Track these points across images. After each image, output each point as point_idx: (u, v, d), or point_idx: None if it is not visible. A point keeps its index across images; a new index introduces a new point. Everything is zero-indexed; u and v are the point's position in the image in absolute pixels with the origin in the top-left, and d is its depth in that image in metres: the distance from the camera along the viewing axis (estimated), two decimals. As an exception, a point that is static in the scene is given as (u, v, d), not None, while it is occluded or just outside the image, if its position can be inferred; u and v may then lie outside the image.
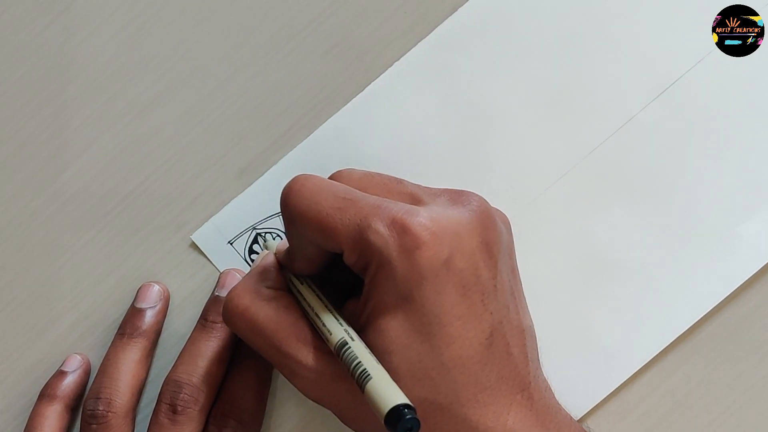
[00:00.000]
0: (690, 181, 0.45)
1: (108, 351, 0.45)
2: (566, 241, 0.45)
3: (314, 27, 0.47)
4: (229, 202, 0.46)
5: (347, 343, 0.37)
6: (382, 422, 0.34)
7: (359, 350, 0.37)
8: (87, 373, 0.46)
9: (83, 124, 0.47)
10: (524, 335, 0.40)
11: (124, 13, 0.47)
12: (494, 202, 0.42)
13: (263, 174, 0.46)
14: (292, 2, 0.47)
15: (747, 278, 0.45)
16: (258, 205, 0.46)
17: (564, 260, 0.45)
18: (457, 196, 0.40)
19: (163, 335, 0.46)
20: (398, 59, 0.46)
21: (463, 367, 0.38)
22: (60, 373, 0.45)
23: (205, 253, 0.46)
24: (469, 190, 0.41)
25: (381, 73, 0.46)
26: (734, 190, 0.45)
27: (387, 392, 0.35)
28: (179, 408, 0.42)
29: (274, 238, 0.46)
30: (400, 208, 0.38)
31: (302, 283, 0.41)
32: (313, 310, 0.40)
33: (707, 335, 0.45)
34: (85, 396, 0.45)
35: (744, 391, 0.45)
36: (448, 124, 0.46)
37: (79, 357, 0.46)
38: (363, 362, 0.36)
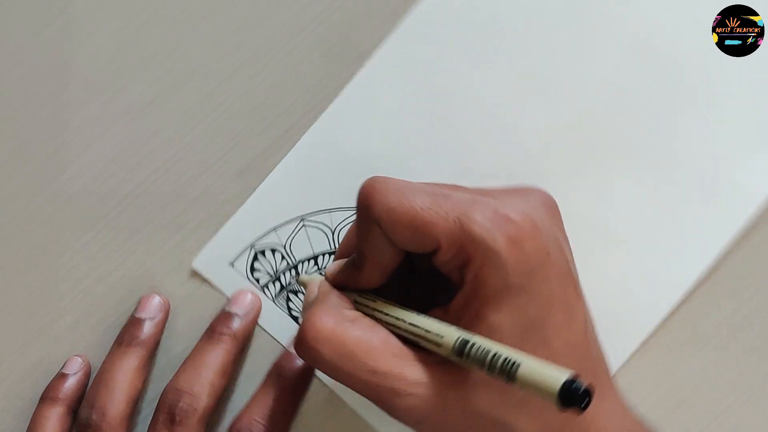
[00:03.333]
0: (675, 135, 0.45)
1: (105, 359, 0.44)
2: (562, 213, 0.45)
3: (314, 27, 0.47)
4: (223, 225, 0.46)
5: (469, 340, 0.35)
6: (556, 402, 0.32)
7: (487, 342, 0.35)
8: (88, 375, 0.46)
9: (83, 124, 0.47)
10: (591, 319, 0.40)
11: (123, 13, 0.47)
12: (485, 182, 0.42)
13: (252, 193, 0.46)
14: (292, 2, 0.47)
15: (746, 221, 0.45)
16: (253, 222, 0.46)
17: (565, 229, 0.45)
18: (525, 191, 0.40)
19: (163, 344, 0.46)
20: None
21: (572, 353, 0.37)
22: (61, 376, 0.45)
23: (208, 278, 0.46)
24: (530, 185, 0.41)
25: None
26: (720, 137, 0.45)
27: (548, 370, 0.33)
28: (177, 418, 0.42)
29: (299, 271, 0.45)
30: (498, 202, 0.37)
31: (375, 300, 0.39)
32: (406, 320, 0.37)
33: (707, 335, 0.45)
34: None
35: (744, 390, 0.45)
36: (428, 114, 0.46)
37: (79, 359, 0.46)
38: (501, 351, 0.34)
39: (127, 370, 0.43)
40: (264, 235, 0.46)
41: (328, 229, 0.46)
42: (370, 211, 0.37)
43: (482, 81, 0.46)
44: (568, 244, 0.40)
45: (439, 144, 0.46)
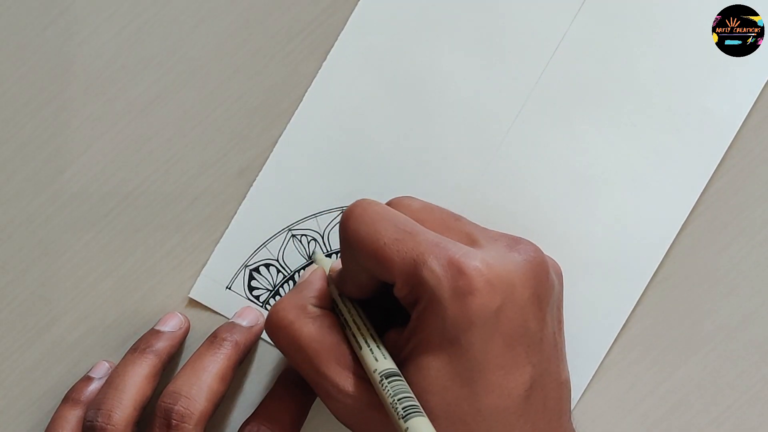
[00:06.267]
0: (639, 74, 0.46)
1: (117, 364, 0.44)
2: (544, 173, 0.46)
3: (314, 27, 0.47)
4: (213, 250, 0.46)
5: (398, 374, 0.37)
6: None
7: (401, 386, 0.37)
8: None
9: (83, 124, 0.47)
10: (562, 389, 0.40)
11: (124, 13, 0.47)
12: (463, 157, 0.43)
13: (236, 213, 0.46)
14: (292, 2, 0.47)
15: (727, 148, 0.45)
16: (241, 243, 0.46)
17: (549, 190, 0.46)
18: (514, 243, 0.40)
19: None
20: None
21: (499, 417, 0.38)
22: (86, 378, 0.45)
23: (207, 305, 0.46)
24: (524, 238, 0.41)
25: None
26: (685, 67, 0.46)
27: None
28: (173, 422, 0.41)
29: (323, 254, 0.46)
30: (458, 250, 0.38)
31: (348, 308, 0.41)
32: (361, 335, 0.39)
33: (707, 335, 0.45)
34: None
35: (744, 391, 0.45)
36: (394, 103, 0.46)
37: (107, 364, 0.46)
38: (406, 399, 0.36)
39: (138, 375, 0.43)
40: (254, 253, 0.46)
41: (317, 233, 0.46)
42: (344, 234, 0.40)
43: (440, 59, 0.46)
44: (545, 308, 0.39)
45: (410, 127, 0.46)
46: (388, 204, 0.41)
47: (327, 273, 0.43)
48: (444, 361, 0.37)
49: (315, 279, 0.42)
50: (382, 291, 0.41)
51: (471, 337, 0.37)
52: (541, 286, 0.39)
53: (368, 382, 0.39)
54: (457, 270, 0.37)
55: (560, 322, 0.42)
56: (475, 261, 0.37)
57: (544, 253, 0.40)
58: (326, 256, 0.46)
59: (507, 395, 0.38)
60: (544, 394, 0.39)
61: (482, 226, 0.42)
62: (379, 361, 0.38)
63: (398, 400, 0.36)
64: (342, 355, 0.40)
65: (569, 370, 0.42)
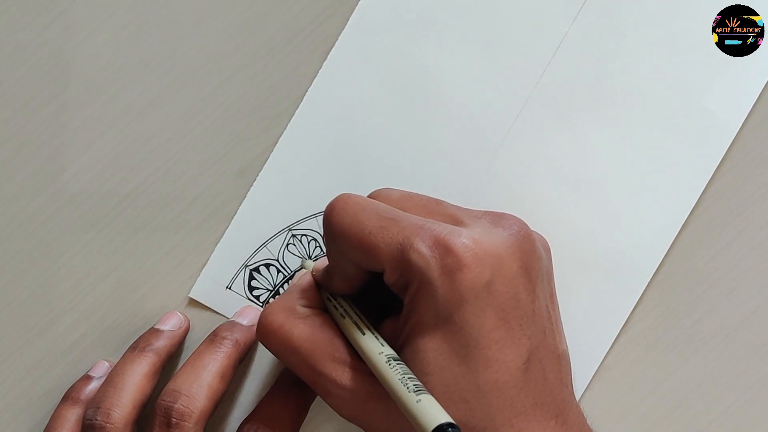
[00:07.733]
0: (640, 75, 0.46)
1: (117, 363, 0.44)
2: (545, 173, 0.46)
3: (314, 27, 0.47)
4: (213, 250, 0.46)
5: (399, 359, 0.37)
6: None
7: (402, 368, 0.37)
8: None
9: (83, 124, 0.47)
10: (560, 361, 0.40)
11: (123, 14, 0.47)
12: (463, 158, 0.44)
13: (236, 213, 0.46)
14: (292, 2, 0.47)
15: (727, 148, 0.45)
16: (241, 243, 0.46)
17: (549, 190, 0.46)
18: (498, 219, 0.40)
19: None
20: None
21: (499, 391, 0.38)
22: (86, 377, 0.45)
23: (208, 305, 0.46)
24: (509, 213, 0.41)
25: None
26: (685, 67, 0.46)
27: (435, 409, 0.35)
28: (173, 421, 0.41)
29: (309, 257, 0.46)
30: (443, 229, 0.38)
31: (340, 303, 0.41)
32: (356, 326, 0.39)
33: (707, 335, 0.45)
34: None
35: (744, 391, 0.45)
36: (394, 103, 0.46)
37: (107, 363, 0.46)
38: (416, 378, 0.36)
39: (137, 374, 0.43)
40: (255, 253, 0.46)
41: (317, 233, 0.46)
42: (328, 228, 0.40)
43: (440, 58, 0.46)
44: (535, 280, 0.39)
45: (410, 128, 0.46)
46: (369, 197, 0.41)
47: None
48: (440, 341, 0.38)
49: (302, 281, 0.42)
50: (372, 283, 0.41)
51: (464, 313, 0.37)
52: (529, 259, 0.39)
53: (366, 374, 0.39)
54: (443, 248, 0.37)
55: (552, 294, 0.42)
56: (461, 238, 0.37)
57: (529, 227, 0.40)
58: None
59: (505, 369, 0.38)
60: (542, 366, 0.39)
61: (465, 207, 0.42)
62: (385, 345, 0.38)
63: (408, 378, 0.36)
64: (336, 350, 0.40)
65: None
